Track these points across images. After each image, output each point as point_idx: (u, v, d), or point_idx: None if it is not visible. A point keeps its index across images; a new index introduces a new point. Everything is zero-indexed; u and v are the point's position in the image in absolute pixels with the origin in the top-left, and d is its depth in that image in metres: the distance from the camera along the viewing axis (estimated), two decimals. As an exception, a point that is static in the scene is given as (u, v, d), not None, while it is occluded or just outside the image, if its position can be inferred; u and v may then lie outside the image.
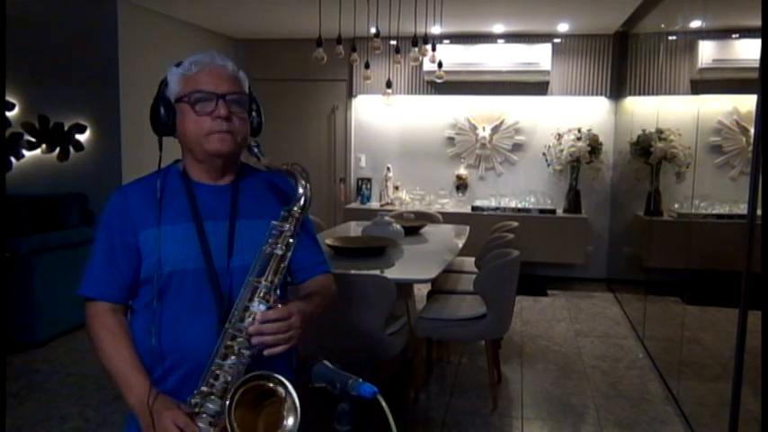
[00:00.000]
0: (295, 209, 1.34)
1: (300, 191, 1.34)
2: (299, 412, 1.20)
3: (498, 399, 3.53)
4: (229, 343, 1.28)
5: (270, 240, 1.32)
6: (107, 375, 1.38)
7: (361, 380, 1.15)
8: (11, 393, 3.53)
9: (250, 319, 1.28)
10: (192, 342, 1.35)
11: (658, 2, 4.53)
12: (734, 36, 3.53)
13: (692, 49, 3.82)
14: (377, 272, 3.13)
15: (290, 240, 1.33)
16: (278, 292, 1.31)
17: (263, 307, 1.28)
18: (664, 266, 4.44)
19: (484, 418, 3.35)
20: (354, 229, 4.67)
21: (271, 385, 1.22)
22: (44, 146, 5.17)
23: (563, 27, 5.87)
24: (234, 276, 1.37)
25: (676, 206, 4.23)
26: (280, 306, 1.30)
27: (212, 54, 1.40)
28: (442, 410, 3.43)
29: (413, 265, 3.59)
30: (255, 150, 1.37)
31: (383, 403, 1.10)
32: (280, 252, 1.31)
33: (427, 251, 3.97)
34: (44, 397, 3.52)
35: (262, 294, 1.29)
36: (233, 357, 1.27)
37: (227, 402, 1.19)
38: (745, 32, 3.36)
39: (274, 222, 1.33)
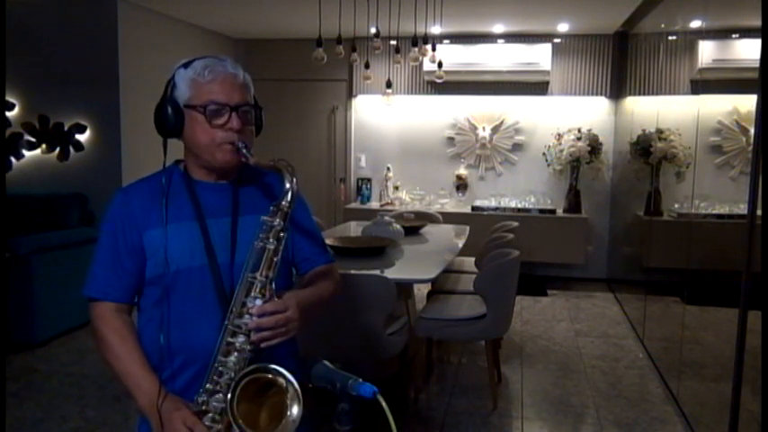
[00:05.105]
0: (283, 203, 1.33)
1: (287, 185, 1.34)
2: (302, 401, 1.21)
3: (498, 399, 3.53)
4: (230, 339, 1.29)
5: (261, 235, 1.32)
6: (114, 376, 1.38)
7: (361, 380, 1.15)
8: (11, 393, 3.53)
9: (248, 314, 1.28)
10: (199, 340, 1.35)
11: (658, 2, 4.53)
12: (734, 36, 3.53)
13: (692, 49, 3.82)
14: (377, 272, 3.13)
15: (282, 234, 1.33)
16: (273, 285, 1.32)
17: (259, 302, 1.29)
18: (664, 266, 4.44)
19: (484, 418, 3.35)
20: (354, 229, 4.67)
21: (270, 377, 1.23)
22: (44, 146, 5.18)
23: (563, 27, 5.87)
24: (237, 272, 1.37)
25: (676, 206, 4.23)
26: (276, 299, 1.31)
27: (224, 61, 1.38)
28: (442, 410, 3.43)
29: (413, 265, 3.59)
30: (243, 151, 1.36)
31: (383, 403, 1.10)
32: (272, 246, 1.31)
33: (427, 251, 3.97)
34: (44, 397, 3.52)
35: (258, 289, 1.30)
36: (235, 353, 1.28)
37: (229, 397, 1.20)
38: (745, 32, 3.36)
39: (264, 217, 1.33)
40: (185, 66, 1.38)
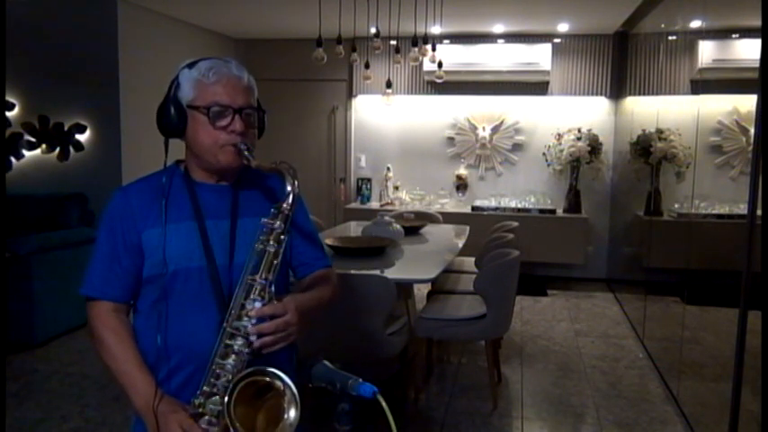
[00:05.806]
0: (284, 206, 1.33)
1: (288, 188, 1.34)
2: (299, 404, 1.21)
3: (498, 399, 3.53)
4: (228, 342, 1.28)
5: (261, 237, 1.32)
6: (111, 376, 1.37)
7: (361, 380, 1.15)
8: (11, 393, 3.53)
9: (247, 317, 1.28)
10: (196, 341, 1.35)
11: (658, 2, 4.53)
12: (734, 36, 3.53)
13: (692, 49, 3.82)
14: (377, 272, 3.13)
15: (282, 237, 1.32)
16: (273, 288, 1.31)
17: (258, 304, 1.28)
18: (664, 266, 4.44)
19: (484, 418, 3.35)
20: (354, 229, 4.67)
21: (267, 380, 1.23)
22: (44, 146, 5.18)
23: (563, 27, 5.87)
24: (235, 274, 1.37)
25: (676, 206, 4.23)
26: (275, 302, 1.30)
27: (229, 63, 1.39)
28: (442, 410, 3.43)
29: (413, 265, 3.59)
30: (246, 154, 1.36)
31: (383, 403, 1.10)
32: (272, 249, 1.31)
33: (427, 251, 3.97)
34: (44, 397, 3.52)
35: (257, 292, 1.29)
36: (233, 356, 1.27)
37: (226, 400, 1.20)
38: (745, 32, 3.36)
39: (265, 219, 1.33)
40: (190, 66, 1.38)
